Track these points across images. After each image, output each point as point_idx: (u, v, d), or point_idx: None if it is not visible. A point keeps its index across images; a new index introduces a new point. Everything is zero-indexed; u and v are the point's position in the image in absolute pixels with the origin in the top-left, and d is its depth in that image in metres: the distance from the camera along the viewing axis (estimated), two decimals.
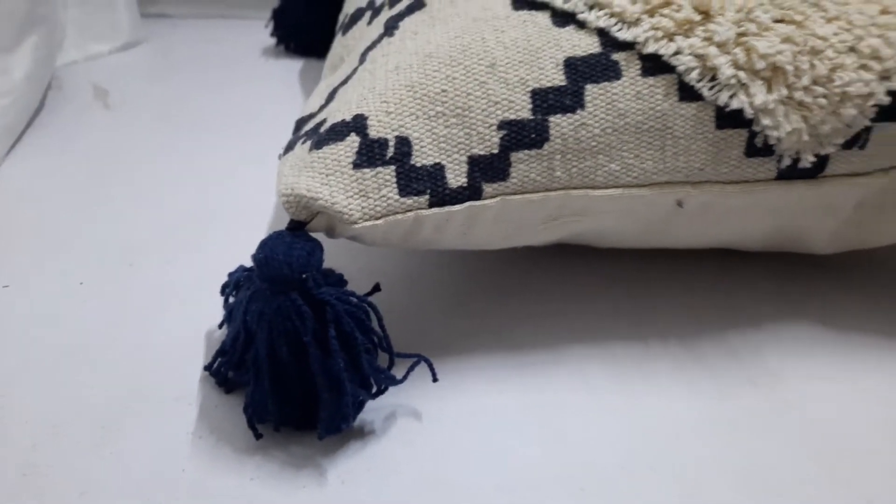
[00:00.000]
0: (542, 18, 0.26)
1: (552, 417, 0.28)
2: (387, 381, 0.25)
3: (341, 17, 0.36)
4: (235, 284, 0.27)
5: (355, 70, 0.27)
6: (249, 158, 0.44)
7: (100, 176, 0.43)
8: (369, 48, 0.28)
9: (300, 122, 0.28)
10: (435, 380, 0.26)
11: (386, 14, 0.30)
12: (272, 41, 0.60)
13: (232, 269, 0.29)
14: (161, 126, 0.49)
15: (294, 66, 0.58)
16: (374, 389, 0.25)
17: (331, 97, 0.27)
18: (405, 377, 0.26)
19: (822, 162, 0.27)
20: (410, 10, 0.28)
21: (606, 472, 0.25)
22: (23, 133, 0.45)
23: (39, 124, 0.47)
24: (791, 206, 0.29)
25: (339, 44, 0.33)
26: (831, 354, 0.31)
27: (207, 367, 0.28)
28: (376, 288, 0.27)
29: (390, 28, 0.28)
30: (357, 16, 0.33)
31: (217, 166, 0.44)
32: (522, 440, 0.26)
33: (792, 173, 0.27)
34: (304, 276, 0.23)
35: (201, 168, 0.44)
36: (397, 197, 0.24)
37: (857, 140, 0.27)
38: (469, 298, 0.33)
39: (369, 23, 0.31)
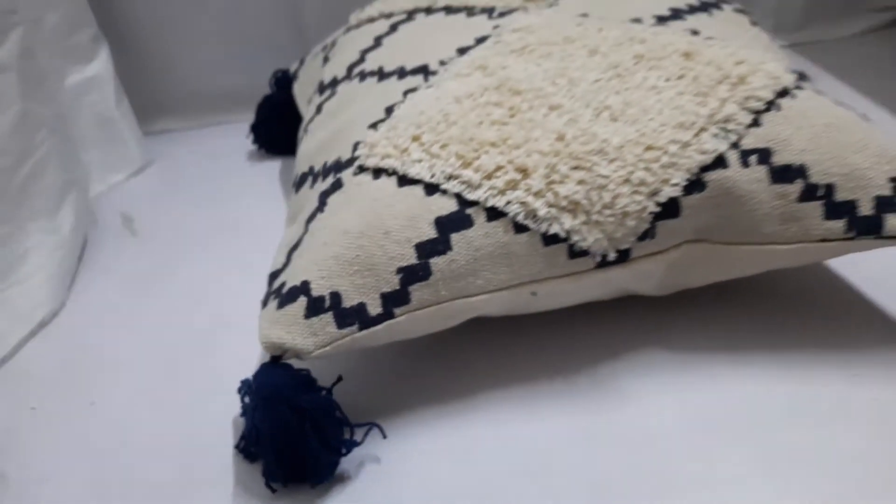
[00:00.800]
0: (418, 191, 0.39)
1: (470, 450, 0.40)
2: (350, 446, 0.38)
3: (293, 176, 0.48)
4: (245, 392, 0.40)
5: (302, 238, 0.40)
6: (248, 263, 0.57)
7: (139, 298, 0.56)
8: (310, 218, 0.41)
9: (272, 276, 0.41)
10: (384, 437, 0.40)
11: (320, 186, 0.43)
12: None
13: (247, 367, 0.42)
14: (178, 244, 0.62)
15: (274, 164, 0.72)
16: (344, 451, 0.38)
17: (289, 258, 0.40)
18: (363, 440, 0.39)
19: (626, 252, 0.39)
20: (334, 188, 0.41)
21: (506, 486, 0.38)
22: (77, 272, 0.59)
23: (88, 259, 0.61)
24: (616, 280, 0.41)
25: (294, 201, 0.46)
26: (672, 374, 0.43)
27: (237, 447, 0.41)
28: (339, 379, 0.40)
29: (322, 204, 0.41)
30: (303, 179, 0.46)
31: (224, 275, 0.57)
32: (449, 469, 0.39)
33: (606, 263, 0.39)
34: (285, 394, 0.36)
35: (214, 279, 0.57)
36: (336, 330, 0.37)
37: (646, 235, 0.39)
38: (406, 367, 0.46)
39: (311, 187, 0.44)
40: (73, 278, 0.59)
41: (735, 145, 0.39)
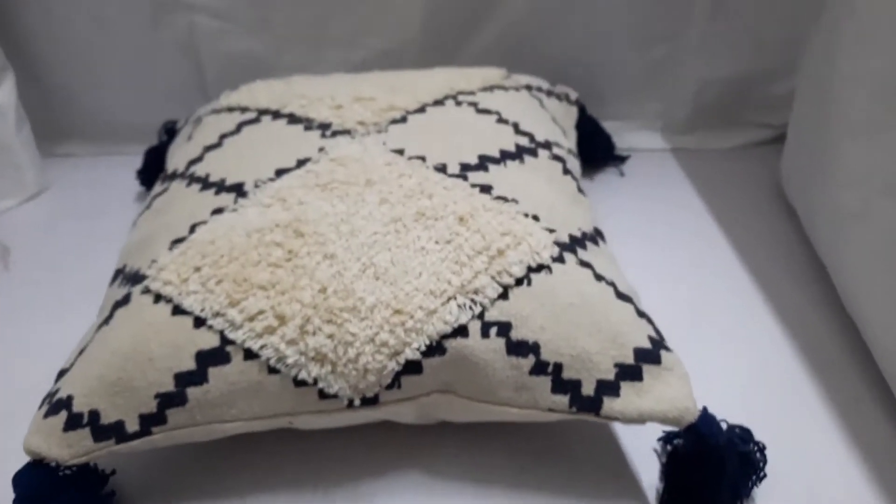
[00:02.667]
0: (188, 322, 0.42)
1: None
2: None
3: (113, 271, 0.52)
4: None
5: (88, 344, 0.44)
6: None
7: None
8: (101, 325, 0.45)
9: (59, 374, 0.45)
10: None
11: (119, 291, 0.46)
12: None
13: None
14: (49, 287, 0.65)
15: None
16: None
17: (74, 361, 0.44)
18: None
19: (375, 397, 0.43)
20: (124, 301, 0.45)
21: None
22: None
23: None
24: (370, 416, 0.45)
25: (107, 293, 0.49)
26: (423, 497, 0.47)
27: None
28: (113, 472, 0.44)
29: (111, 314, 0.45)
30: (116, 275, 0.49)
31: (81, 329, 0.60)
32: None
33: (354, 405, 0.43)
34: (36, 494, 0.40)
35: (71, 331, 0.58)
36: (93, 444, 0.41)
37: (392, 385, 0.43)
38: (186, 465, 0.48)
39: (118, 287, 0.48)
40: None
41: (480, 316, 0.43)
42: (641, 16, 0.74)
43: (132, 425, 0.42)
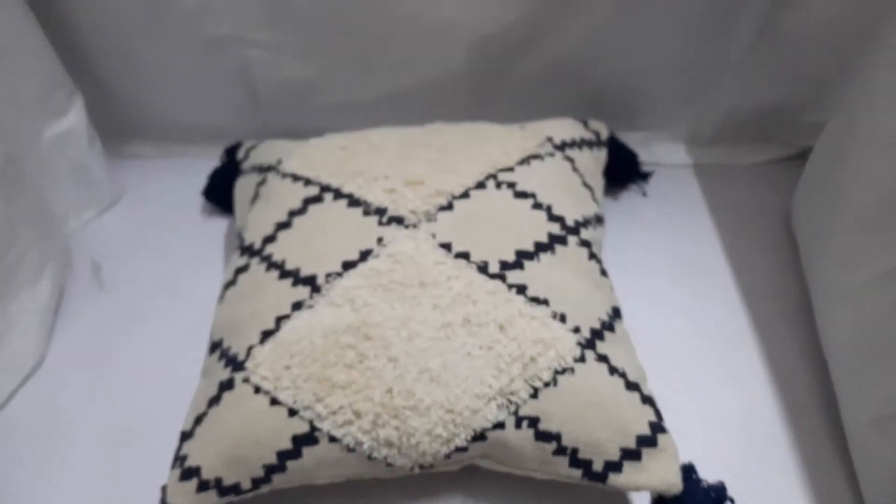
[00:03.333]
0: (283, 412, 0.54)
1: None
2: None
3: (210, 335, 0.62)
4: None
5: (204, 415, 0.55)
6: (200, 324, 0.69)
7: (104, 355, 0.71)
8: (212, 401, 0.56)
9: (183, 436, 0.57)
10: None
11: (222, 372, 0.57)
12: None
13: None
14: (139, 299, 0.75)
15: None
16: None
17: (194, 428, 0.56)
18: None
19: (430, 465, 0.55)
20: (229, 385, 0.56)
21: None
22: (54, 324, 0.74)
23: (64, 310, 0.75)
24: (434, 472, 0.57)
25: (210, 359, 0.60)
26: None
27: None
28: None
29: (219, 396, 0.56)
30: (215, 347, 0.60)
31: (177, 337, 0.70)
32: None
33: (413, 471, 0.55)
34: None
35: (167, 340, 0.70)
36: (218, 499, 0.54)
37: (444, 458, 0.54)
38: None
39: (218, 361, 0.58)
40: (52, 332, 0.74)
41: (514, 412, 0.53)
42: (682, 42, 0.76)
43: (246, 485, 0.54)
